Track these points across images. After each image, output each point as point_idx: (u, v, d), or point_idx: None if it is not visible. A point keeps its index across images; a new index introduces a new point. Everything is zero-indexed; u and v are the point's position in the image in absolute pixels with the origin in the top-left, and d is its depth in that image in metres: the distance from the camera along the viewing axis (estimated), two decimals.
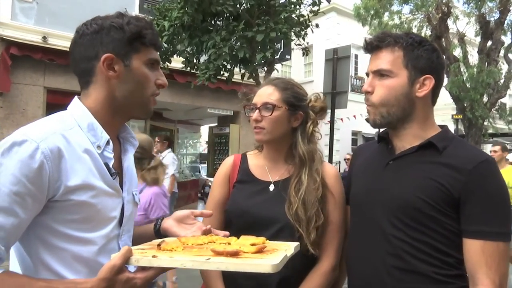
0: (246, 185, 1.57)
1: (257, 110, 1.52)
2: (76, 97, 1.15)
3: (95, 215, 1.05)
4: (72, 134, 1.04)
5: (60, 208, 1.00)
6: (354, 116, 14.40)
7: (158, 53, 1.20)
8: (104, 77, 1.10)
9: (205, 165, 15.09)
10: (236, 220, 1.52)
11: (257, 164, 1.62)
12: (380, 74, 1.32)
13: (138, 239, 1.22)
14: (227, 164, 1.65)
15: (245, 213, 1.49)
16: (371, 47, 1.36)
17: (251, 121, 1.54)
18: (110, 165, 1.10)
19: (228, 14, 6.39)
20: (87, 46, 1.09)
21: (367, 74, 1.38)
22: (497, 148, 6.06)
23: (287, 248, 1.04)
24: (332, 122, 6.21)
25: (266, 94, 1.53)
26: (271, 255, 0.95)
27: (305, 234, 1.41)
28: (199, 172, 16.65)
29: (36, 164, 0.94)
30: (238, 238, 1.08)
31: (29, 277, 0.96)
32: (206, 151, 16.63)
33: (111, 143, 1.12)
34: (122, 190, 1.16)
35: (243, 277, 1.41)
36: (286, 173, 1.56)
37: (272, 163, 1.60)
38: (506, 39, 12.12)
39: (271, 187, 1.55)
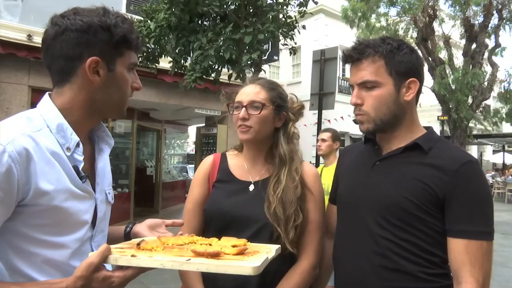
0: (225, 185, 1.56)
1: (244, 108, 1.49)
2: (47, 95, 1.10)
3: (67, 219, 1.02)
4: (40, 136, 0.99)
5: (30, 213, 0.96)
6: (342, 117, 14.49)
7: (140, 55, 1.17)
8: (86, 80, 1.05)
9: (193, 165, 15.02)
10: (215, 220, 1.50)
11: (237, 164, 1.61)
12: (366, 85, 1.32)
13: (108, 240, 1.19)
14: (207, 163, 1.63)
15: (224, 213, 1.47)
16: (351, 60, 1.36)
17: (236, 120, 1.52)
18: (80, 168, 1.05)
19: (215, 15, 6.35)
20: (71, 44, 1.02)
21: (352, 86, 1.37)
22: (326, 136, 4.01)
23: (268, 251, 1.03)
24: (319, 123, 6.23)
25: (253, 92, 1.52)
26: (252, 257, 0.94)
27: (283, 233, 1.40)
28: (187, 172, 16.57)
29: (3, 168, 0.89)
30: (219, 239, 1.07)
31: (1, 282, 0.93)
32: (193, 152, 16.55)
33: (81, 145, 1.07)
34: (94, 191, 1.12)
35: (223, 278, 1.41)
36: (266, 173, 1.55)
37: (252, 163, 1.58)
38: (490, 42, 12.34)
39: (251, 187, 1.53)
